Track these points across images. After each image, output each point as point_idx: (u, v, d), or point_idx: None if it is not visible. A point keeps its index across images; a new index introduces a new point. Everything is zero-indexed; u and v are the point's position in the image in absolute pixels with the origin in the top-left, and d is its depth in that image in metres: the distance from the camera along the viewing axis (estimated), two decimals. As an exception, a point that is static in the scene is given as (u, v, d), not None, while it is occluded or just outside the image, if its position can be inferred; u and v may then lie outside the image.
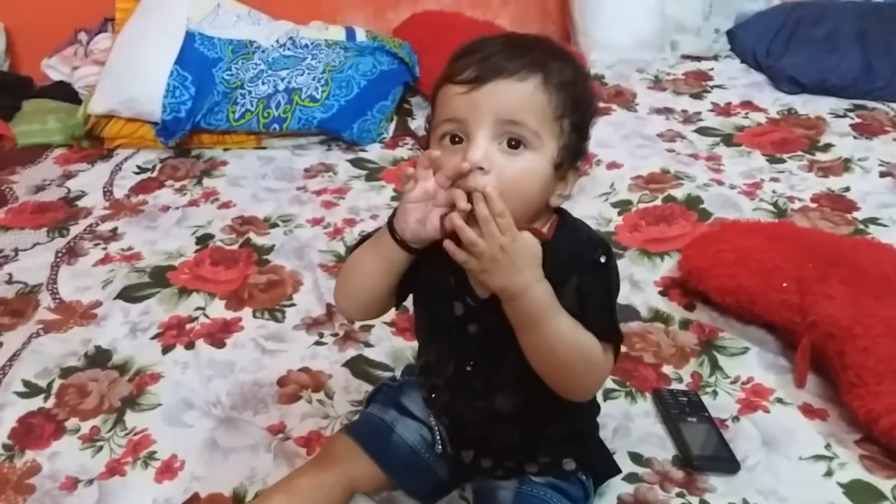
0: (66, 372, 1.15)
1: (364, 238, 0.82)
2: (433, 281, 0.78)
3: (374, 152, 1.83)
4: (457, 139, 0.72)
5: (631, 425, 1.03)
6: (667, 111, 1.98)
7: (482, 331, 0.78)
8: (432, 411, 0.90)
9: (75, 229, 1.54)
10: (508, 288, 0.69)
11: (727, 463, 0.95)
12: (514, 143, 0.71)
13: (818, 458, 0.97)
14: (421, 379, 0.91)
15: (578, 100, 0.73)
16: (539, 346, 0.72)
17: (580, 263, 0.74)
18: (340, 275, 0.84)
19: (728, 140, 1.82)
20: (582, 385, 0.76)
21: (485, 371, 0.80)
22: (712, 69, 2.23)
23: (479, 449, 0.86)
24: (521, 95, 0.70)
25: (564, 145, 0.73)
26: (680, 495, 0.92)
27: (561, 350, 0.71)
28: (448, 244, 0.69)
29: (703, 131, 1.87)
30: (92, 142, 1.87)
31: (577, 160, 0.75)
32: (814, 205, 1.52)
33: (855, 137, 1.80)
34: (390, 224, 0.75)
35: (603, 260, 0.74)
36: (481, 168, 0.69)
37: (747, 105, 1.99)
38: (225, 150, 1.86)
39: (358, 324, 1.23)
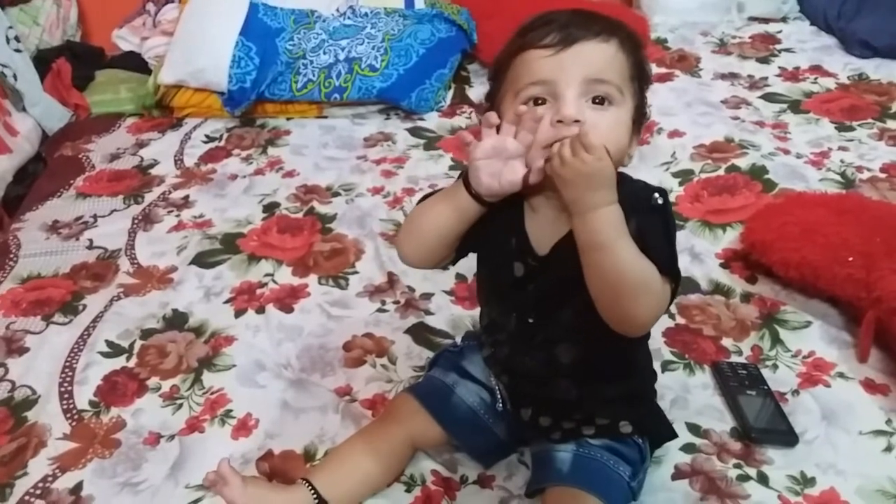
0: (146, 333, 1.22)
1: (433, 192, 0.85)
2: (495, 242, 0.82)
3: (432, 121, 1.85)
4: (540, 101, 0.74)
5: (689, 397, 1.04)
6: (732, 76, 1.93)
7: (540, 289, 0.82)
8: (493, 370, 0.93)
9: (149, 197, 1.61)
10: (583, 200, 0.72)
11: (785, 436, 0.96)
12: (600, 100, 0.74)
13: (878, 433, 0.97)
14: (484, 337, 0.94)
15: (643, 66, 0.79)
16: (603, 269, 0.73)
17: (639, 205, 0.76)
18: (407, 220, 0.87)
19: (795, 107, 1.77)
20: (639, 313, 0.75)
21: (546, 323, 0.83)
22: (780, 32, 2.16)
23: (537, 406, 0.89)
24: (605, 54, 0.74)
25: (637, 105, 0.77)
26: (737, 466, 0.94)
27: (625, 273, 0.72)
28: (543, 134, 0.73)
29: (769, 97, 1.82)
30: (162, 111, 1.94)
31: (641, 122, 0.79)
32: (883, 175, 1.48)
33: (930, 104, 1.73)
34: (465, 179, 0.78)
35: (661, 202, 0.77)
36: (577, 121, 0.72)
37: (816, 70, 1.93)
38: (288, 119, 1.90)
39: (419, 292, 1.26)
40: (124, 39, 2.13)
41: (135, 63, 2.06)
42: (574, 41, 0.74)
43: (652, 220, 0.76)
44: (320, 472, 0.90)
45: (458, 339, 1.10)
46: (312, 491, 0.87)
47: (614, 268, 0.73)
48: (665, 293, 0.76)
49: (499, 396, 0.93)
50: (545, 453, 0.89)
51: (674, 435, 0.93)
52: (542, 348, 0.84)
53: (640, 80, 0.78)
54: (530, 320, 0.84)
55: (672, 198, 1.46)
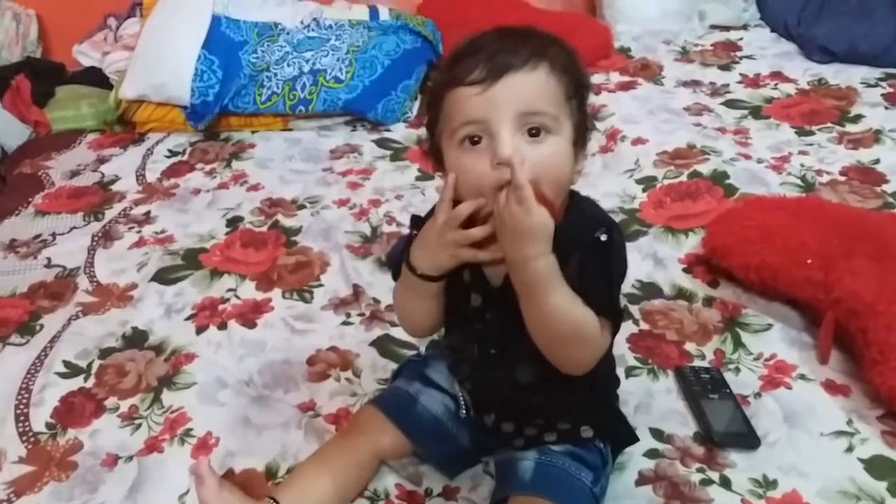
0: (104, 353, 1.20)
1: (399, 261, 0.86)
2: (452, 275, 0.82)
3: (398, 132, 1.85)
4: (476, 139, 0.73)
5: (652, 402, 1.04)
6: (694, 84, 1.96)
7: (499, 317, 0.81)
8: (456, 377, 0.93)
9: (110, 213, 1.59)
10: (510, 253, 0.73)
11: (748, 439, 0.96)
12: (535, 132, 0.72)
13: (839, 433, 0.97)
14: (447, 352, 0.95)
15: (579, 80, 0.77)
16: (536, 317, 0.75)
17: (582, 241, 0.76)
18: (396, 310, 0.91)
19: (756, 112, 1.79)
20: (575, 358, 0.78)
21: (506, 350, 0.84)
22: (741, 39, 2.19)
23: (499, 412, 0.89)
24: (536, 84, 0.72)
25: (576, 124, 0.76)
26: (700, 470, 0.94)
27: (556, 323, 0.74)
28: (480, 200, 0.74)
29: (730, 104, 1.84)
30: (124, 126, 1.92)
31: (586, 137, 0.78)
32: (842, 178, 1.50)
33: (886, 108, 1.76)
34: (408, 263, 0.81)
35: (604, 238, 0.76)
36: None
37: (777, 76, 1.96)
38: (252, 132, 1.89)
39: (384, 304, 1.26)
40: (85, 55, 2.11)
41: (96, 78, 2.04)
42: (501, 74, 0.71)
43: (594, 259, 0.76)
44: (286, 490, 0.88)
45: (423, 349, 1.10)
46: None
47: (546, 318, 0.74)
48: (603, 338, 0.78)
49: (462, 403, 0.93)
50: (508, 462, 0.88)
51: (635, 439, 0.93)
52: (502, 368, 0.85)
53: (579, 94, 0.77)
54: (492, 351, 0.85)
55: (636, 204, 1.47)
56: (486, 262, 0.78)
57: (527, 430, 0.88)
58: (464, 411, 0.93)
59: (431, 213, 0.84)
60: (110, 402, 1.10)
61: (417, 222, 0.86)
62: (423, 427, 0.93)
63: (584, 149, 0.79)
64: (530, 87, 0.72)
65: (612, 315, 0.78)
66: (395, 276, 0.89)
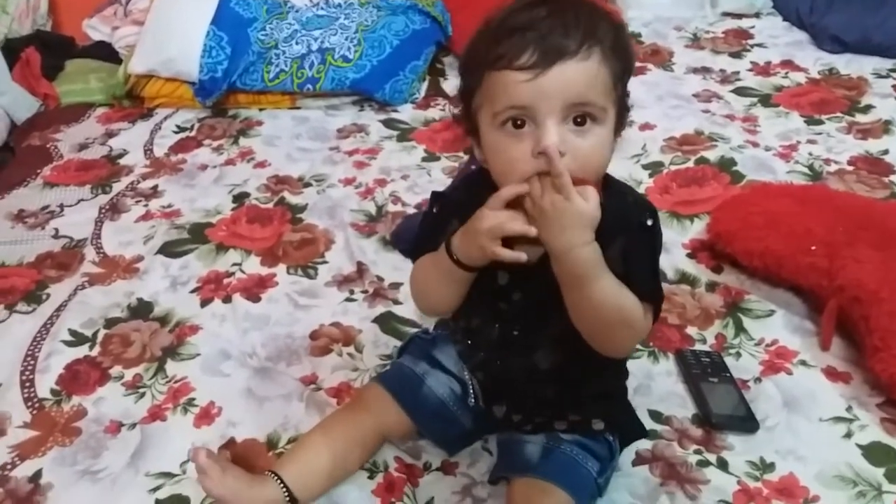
0: (110, 322, 1.21)
1: (421, 238, 0.84)
2: None
3: (405, 113, 1.84)
4: (519, 123, 0.70)
5: (652, 384, 1.05)
6: (704, 70, 1.95)
7: (525, 297, 0.80)
8: (467, 365, 0.92)
9: (118, 186, 1.59)
10: (552, 243, 0.71)
11: (746, 422, 0.97)
12: (581, 120, 0.69)
13: (838, 419, 0.98)
14: (458, 337, 0.93)
15: (627, 59, 0.73)
16: (582, 305, 0.74)
17: (627, 225, 0.74)
18: (412, 285, 0.87)
19: (766, 100, 1.78)
20: (619, 344, 0.78)
21: (529, 333, 0.82)
22: (753, 27, 2.18)
23: (512, 404, 0.89)
24: (587, 75, 0.68)
25: (619, 109, 0.73)
26: (698, 452, 0.94)
27: (603, 310, 0.73)
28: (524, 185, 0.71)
29: (740, 91, 1.83)
30: (132, 101, 1.92)
31: (624, 116, 0.75)
32: (850, 168, 1.50)
33: (897, 99, 1.75)
34: (448, 248, 0.77)
35: (650, 223, 0.75)
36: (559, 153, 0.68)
37: (787, 65, 1.95)
38: (260, 109, 1.88)
39: (387, 282, 1.26)
40: (95, 29, 2.11)
41: (105, 53, 2.04)
42: (553, 62, 0.67)
43: (639, 243, 0.75)
44: (288, 463, 0.89)
45: (431, 328, 1.09)
46: (282, 485, 0.86)
47: (591, 306, 0.73)
48: (646, 321, 0.76)
49: (471, 391, 0.92)
50: (513, 443, 0.89)
51: (644, 433, 0.93)
52: (521, 355, 0.84)
53: (625, 77, 0.73)
54: (515, 332, 0.83)
55: (642, 189, 1.47)
56: (509, 260, 0.73)
57: (537, 419, 0.88)
58: (472, 400, 0.92)
59: (456, 188, 0.83)
60: (115, 370, 1.11)
61: (440, 199, 0.85)
62: (428, 409, 0.93)
63: (621, 132, 0.76)
64: (583, 76, 0.68)
65: (656, 299, 0.77)
66: (413, 256, 0.87)
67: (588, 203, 0.69)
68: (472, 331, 0.89)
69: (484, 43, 0.71)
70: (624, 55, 0.72)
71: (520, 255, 0.72)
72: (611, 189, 0.77)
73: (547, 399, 0.86)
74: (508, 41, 0.69)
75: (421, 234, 0.88)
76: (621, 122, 0.75)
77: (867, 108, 1.72)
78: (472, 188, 0.80)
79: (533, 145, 0.69)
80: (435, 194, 0.87)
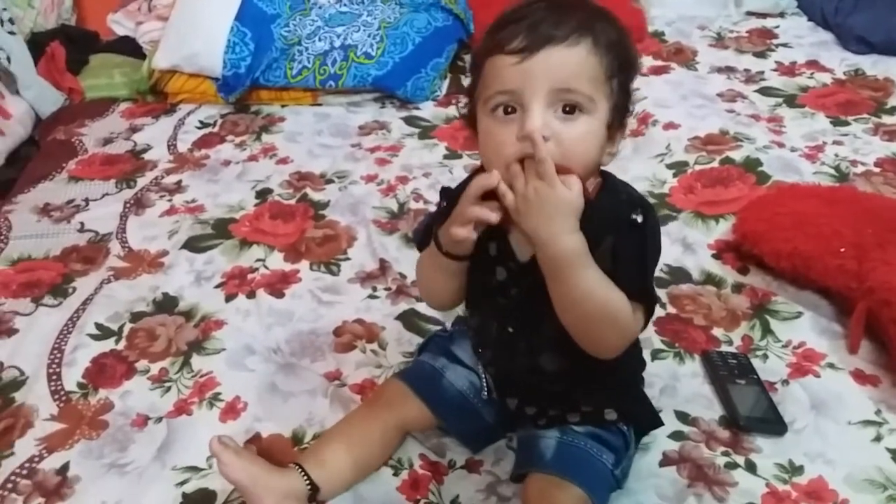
0: (135, 316, 1.22)
1: (424, 232, 0.86)
2: (478, 246, 0.80)
3: (427, 110, 1.84)
4: (510, 109, 0.72)
5: (678, 385, 1.04)
6: (728, 70, 1.93)
7: (522, 293, 0.80)
8: (480, 360, 0.93)
9: (142, 181, 1.60)
10: (538, 232, 0.71)
11: (774, 425, 0.96)
12: (570, 109, 0.71)
13: (867, 423, 0.97)
14: (470, 333, 0.95)
15: (625, 59, 0.74)
16: (565, 298, 0.74)
17: (616, 223, 0.74)
18: (417, 280, 0.91)
19: (791, 101, 1.77)
20: (606, 341, 0.77)
21: (526, 333, 0.83)
22: (778, 27, 2.16)
23: (523, 397, 0.89)
24: (573, 62, 0.70)
25: (614, 105, 0.74)
26: (725, 454, 0.93)
27: (587, 303, 0.73)
28: (496, 174, 0.71)
29: (765, 91, 1.82)
30: (156, 96, 1.93)
31: (624, 118, 0.76)
32: (877, 169, 1.48)
33: (925, 100, 1.73)
34: (436, 239, 0.79)
35: (639, 220, 0.75)
36: (542, 136, 0.69)
37: (813, 65, 1.93)
38: (282, 106, 1.89)
39: (410, 279, 1.26)
40: (119, 24, 2.12)
41: (129, 48, 2.05)
42: (541, 46, 0.69)
43: (628, 241, 0.75)
44: (312, 457, 0.89)
45: (448, 325, 1.10)
46: (304, 476, 0.86)
47: (575, 298, 0.73)
48: (636, 321, 0.76)
49: (484, 385, 0.93)
50: (530, 439, 0.89)
51: (659, 422, 0.92)
52: (526, 356, 0.84)
53: (623, 73, 0.74)
54: (510, 329, 0.84)
55: (665, 189, 1.46)
56: (455, 235, 0.75)
57: (550, 412, 0.88)
58: (485, 393, 0.93)
59: (462, 186, 0.84)
60: (141, 364, 1.12)
61: (447, 193, 0.85)
62: (448, 402, 0.93)
63: (620, 131, 0.76)
64: (568, 63, 0.70)
65: (646, 299, 0.77)
66: (420, 247, 0.89)
67: (571, 191, 0.69)
68: (477, 329, 0.91)
69: (487, 35, 0.75)
70: (621, 54, 0.73)
71: (470, 234, 0.74)
72: (606, 187, 0.78)
73: (557, 394, 0.87)
74: (505, 30, 0.72)
75: (426, 224, 0.90)
76: (619, 122, 0.75)
77: (894, 110, 1.70)
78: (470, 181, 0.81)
79: (518, 129, 0.70)
80: (443, 189, 0.88)
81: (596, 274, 0.73)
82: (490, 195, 0.73)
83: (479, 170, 0.80)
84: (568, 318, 0.75)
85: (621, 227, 0.75)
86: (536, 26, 0.70)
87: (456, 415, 0.94)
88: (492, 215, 0.73)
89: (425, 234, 0.86)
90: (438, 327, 1.14)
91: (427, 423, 0.95)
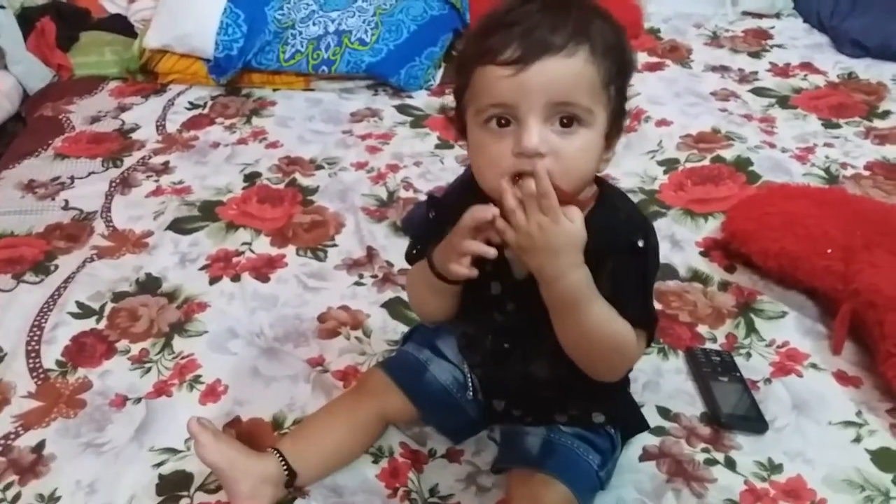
0: (117, 296, 1.20)
1: (415, 244, 0.84)
2: (473, 261, 0.74)
3: (420, 99, 1.83)
4: (503, 122, 0.68)
5: (661, 381, 1.04)
6: (722, 69, 1.93)
7: (519, 309, 0.78)
8: (467, 361, 0.92)
9: (129, 161, 1.58)
10: (544, 269, 0.68)
11: (755, 423, 0.96)
12: (567, 122, 0.67)
13: (848, 424, 0.97)
14: (458, 335, 0.92)
15: (622, 62, 0.70)
16: (572, 332, 0.72)
17: (616, 246, 0.71)
18: (409, 295, 0.89)
19: (784, 102, 1.77)
20: (611, 370, 0.77)
21: (522, 347, 0.82)
22: (773, 28, 2.16)
23: (511, 400, 0.88)
24: (571, 73, 0.66)
25: (612, 111, 0.70)
26: (705, 451, 0.93)
27: (594, 337, 0.71)
28: (493, 209, 0.69)
29: (758, 92, 1.82)
30: (146, 76, 1.91)
31: (621, 122, 0.73)
32: (867, 172, 1.49)
33: (917, 105, 1.73)
34: (430, 261, 0.77)
35: (641, 244, 0.72)
36: (539, 153, 0.66)
37: (807, 67, 1.93)
38: (274, 90, 1.87)
39: (397, 267, 1.25)
40: (111, 1, 2.10)
41: (120, 26, 2.03)
42: (536, 57, 0.65)
43: (630, 266, 0.72)
44: (290, 442, 0.88)
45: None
46: (282, 461, 0.86)
47: (582, 332, 0.71)
48: (639, 348, 0.75)
49: (470, 385, 0.92)
50: (515, 434, 0.88)
51: (646, 426, 0.92)
52: (517, 365, 0.83)
53: (620, 78, 0.70)
54: (506, 345, 0.82)
55: (656, 185, 1.46)
56: (455, 273, 0.72)
57: (537, 413, 0.87)
58: (470, 393, 0.92)
59: (450, 192, 0.83)
60: (121, 344, 1.11)
61: (435, 202, 0.83)
62: (431, 396, 0.92)
63: (616, 137, 0.73)
64: (566, 74, 0.65)
65: (648, 325, 0.75)
66: (410, 261, 0.85)
67: (574, 224, 0.67)
68: (467, 336, 0.89)
69: (475, 38, 0.70)
70: (618, 58, 0.69)
71: (470, 272, 0.71)
72: (604, 203, 0.75)
73: (546, 399, 0.86)
74: (496, 36, 0.67)
75: (415, 238, 0.88)
76: (616, 128, 0.72)
77: (886, 114, 1.70)
78: (465, 195, 0.77)
79: (514, 144, 0.67)
80: (430, 198, 0.85)
81: (602, 307, 0.70)
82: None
83: (470, 178, 0.76)
84: (574, 350, 0.74)
85: (621, 249, 0.72)
86: (530, 33, 0.66)
87: (438, 409, 0.93)
88: (490, 251, 0.69)
89: (416, 250, 0.84)
90: (424, 316, 1.14)
91: (409, 415, 0.94)
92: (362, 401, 0.92)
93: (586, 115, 0.67)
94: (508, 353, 0.83)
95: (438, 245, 0.76)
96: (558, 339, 0.74)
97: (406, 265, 1.22)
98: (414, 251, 0.85)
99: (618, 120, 0.72)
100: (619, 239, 0.72)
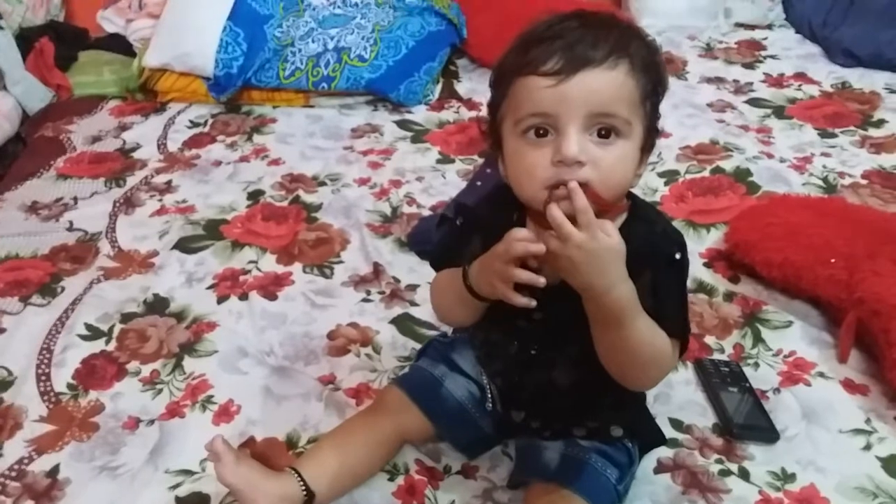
0: (126, 317, 1.20)
1: (442, 249, 0.85)
2: None
3: (419, 114, 1.85)
4: (542, 132, 0.69)
5: (671, 392, 1.05)
6: (718, 80, 1.96)
7: (547, 318, 0.78)
8: (486, 371, 0.92)
9: (132, 180, 1.59)
10: (592, 287, 0.69)
11: (767, 432, 0.97)
12: (605, 133, 0.68)
13: (858, 431, 0.98)
14: (476, 344, 0.93)
15: (658, 79, 0.72)
16: (616, 346, 0.72)
17: (655, 259, 0.73)
18: (433, 299, 0.89)
19: (779, 112, 1.79)
20: (646, 379, 0.78)
21: (549, 353, 0.82)
22: (766, 38, 2.19)
23: (530, 411, 0.88)
24: (612, 85, 0.68)
25: (648, 126, 0.72)
26: (719, 461, 0.94)
27: (637, 350, 0.72)
28: (542, 246, 0.69)
29: (754, 102, 1.84)
30: (146, 95, 1.91)
31: (654, 139, 0.74)
32: (864, 181, 1.51)
33: (910, 113, 1.76)
34: (465, 277, 0.77)
35: (678, 257, 0.74)
36: (578, 162, 0.67)
37: (800, 77, 1.96)
38: (274, 107, 1.88)
39: (404, 283, 1.26)
40: (109, 21, 2.10)
41: (119, 45, 2.04)
42: (578, 68, 0.67)
43: (668, 278, 0.73)
44: (308, 462, 0.88)
45: (450, 331, 1.09)
46: (300, 481, 0.85)
47: (626, 347, 0.72)
48: (674, 358, 0.75)
49: (489, 396, 0.92)
50: (532, 448, 0.88)
51: (663, 440, 0.92)
52: (539, 372, 0.83)
53: (655, 95, 0.72)
54: (533, 351, 0.82)
55: (657, 197, 1.47)
56: (515, 303, 0.72)
57: (555, 425, 0.88)
58: (490, 404, 0.92)
59: (482, 203, 0.84)
60: (132, 365, 1.11)
61: (463, 210, 0.85)
62: (447, 411, 0.92)
63: (648, 153, 0.74)
64: (607, 86, 0.67)
65: (684, 336, 0.76)
66: (436, 266, 0.87)
67: (612, 237, 0.67)
68: (491, 343, 0.89)
69: (514, 53, 0.72)
70: (655, 74, 0.72)
71: (530, 302, 0.71)
72: (638, 215, 0.76)
73: (565, 408, 0.86)
74: (537, 49, 0.69)
75: (442, 244, 0.89)
76: (650, 142, 0.74)
77: (880, 123, 1.73)
78: (497, 205, 0.80)
79: (553, 153, 0.68)
80: (459, 205, 0.87)
81: (645, 320, 0.71)
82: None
83: (502, 190, 0.78)
84: (615, 364, 0.74)
85: (660, 262, 0.73)
86: (572, 47, 0.67)
87: (455, 424, 0.93)
88: (540, 280, 0.70)
89: (443, 253, 0.85)
90: (433, 332, 1.14)
91: (426, 432, 0.94)
92: (379, 419, 0.92)
93: (625, 126, 0.69)
94: (533, 359, 0.83)
95: (476, 262, 0.76)
96: (595, 349, 0.75)
97: (413, 280, 1.26)
98: (441, 259, 0.85)
99: (651, 136, 0.73)
100: (659, 252, 0.73)
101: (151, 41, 1.88)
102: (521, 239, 0.70)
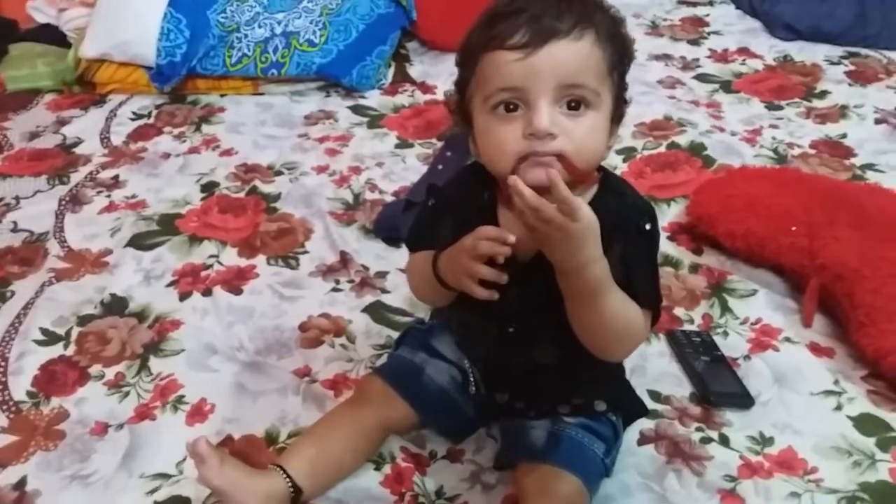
0: (83, 320, 1.15)
1: (416, 231, 0.85)
2: None
3: (373, 99, 1.81)
4: (511, 107, 0.69)
5: (647, 365, 1.06)
6: (665, 57, 1.98)
7: (522, 294, 0.78)
8: (467, 355, 0.92)
9: (76, 177, 1.52)
10: (565, 264, 0.69)
11: (742, 399, 0.99)
12: (575, 105, 0.68)
13: (827, 393, 1.01)
14: (455, 328, 0.92)
15: (624, 49, 0.72)
16: (588, 319, 0.73)
17: (625, 230, 0.73)
18: (410, 284, 0.88)
19: (727, 87, 1.83)
20: (620, 351, 0.78)
21: (527, 330, 0.82)
22: (708, 15, 2.23)
23: (514, 391, 0.88)
24: (579, 56, 0.68)
25: (615, 97, 0.72)
26: (699, 429, 0.96)
27: (610, 323, 0.72)
28: (511, 236, 0.69)
29: (701, 78, 1.87)
30: (84, 87, 1.83)
31: (622, 110, 0.75)
32: (812, 151, 1.55)
33: (850, 85, 1.81)
34: (435, 267, 0.77)
35: (648, 227, 0.74)
36: (550, 134, 0.67)
37: (744, 52, 2.00)
38: (221, 95, 1.82)
39: (373, 271, 1.24)
40: (39, 11, 2.00)
41: (52, 36, 1.93)
42: (545, 40, 0.67)
43: (638, 249, 0.74)
44: (293, 457, 0.86)
45: (425, 317, 1.08)
46: (286, 477, 0.83)
47: (600, 321, 0.72)
48: (646, 329, 0.76)
49: (472, 379, 0.91)
50: (518, 428, 0.88)
51: (645, 411, 0.93)
52: (519, 352, 0.83)
53: (622, 65, 0.72)
54: (511, 329, 0.82)
55: (616, 174, 1.48)
56: (478, 296, 0.72)
57: (540, 405, 0.88)
58: (473, 388, 0.91)
59: (451, 183, 0.83)
60: (94, 369, 1.06)
61: (433, 191, 0.84)
62: (430, 397, 0.91)
63: (618, 124, 0.75)
64: (574, 57, 0.67)
65: (656, 306, 0.77)
66: (411, 248, 0.86)
67: (589, 216, 0.67)
68: (468, 325, 0.89)
69: (480, 29, 0.72)
70: (620, 44, 0.72)
71: (491, 295, 0.71)
72: (609, 187, 0.76)
73: (549, 386, 0.86)
74: (502, 23, 0.69)
75: (416, 226, 0.88)
76: (619, 113, 0.74)
77: (823, 94, 1.78)
78: (465, 187, 0.80)
79: (524, 126, 0.68)
80: (430, 186, 0.87)
81: (618, 293, 0.71)
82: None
83: (469, 172, 0.77)
84: (585, 334, 0.75)
85: (629, 233, 0.73)
86: (538, 19, 0.67)
87: (438, 412, 0.92)
88: (502, 278, 0.70)
89: (417, 235, 0.84)
90: (407, 319, 1.13)
91: (410, 422, 0.93)
92: (361, 410, 0.91)
93: (594, 97, 0.69)
94: (512, 338, 0.82)
95: (444, 253, 0.76)
96: (570, 324, 0.75)
97: (382, 267, 1.24)
98: (416, 241, 0.85)
99: (620, 106, 0.74)
100: (629, 223, 0.73)
101: (87, 30, 1.80)
102: (489, 238, 0.70)
